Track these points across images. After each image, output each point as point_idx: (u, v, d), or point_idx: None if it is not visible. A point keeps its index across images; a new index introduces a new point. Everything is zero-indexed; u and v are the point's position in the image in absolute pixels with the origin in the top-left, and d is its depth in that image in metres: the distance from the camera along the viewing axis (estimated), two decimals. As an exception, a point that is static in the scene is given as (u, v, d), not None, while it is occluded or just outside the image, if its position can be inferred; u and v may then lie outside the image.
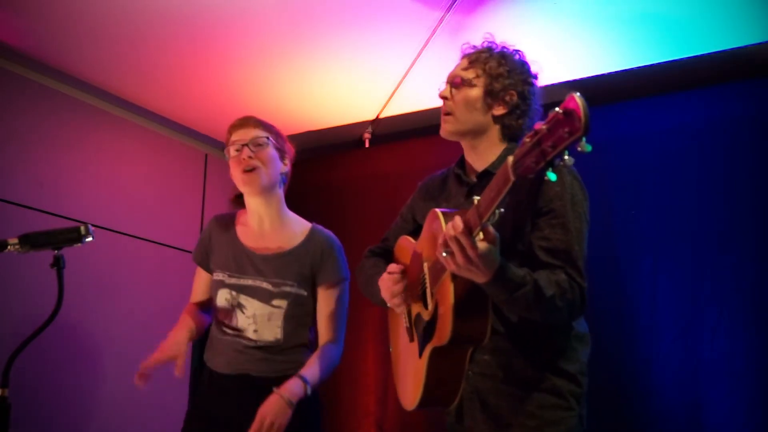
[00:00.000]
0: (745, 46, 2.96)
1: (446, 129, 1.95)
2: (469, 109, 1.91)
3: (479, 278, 1.60)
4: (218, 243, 2.39)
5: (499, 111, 1.91)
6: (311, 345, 2.36)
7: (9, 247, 1.99)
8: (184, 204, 3.94)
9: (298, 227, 2.39)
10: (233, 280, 2.31)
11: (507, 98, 1.91)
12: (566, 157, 1.28)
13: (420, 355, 1.88)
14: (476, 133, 1.93)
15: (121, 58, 3.23)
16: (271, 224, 2.38)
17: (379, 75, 3.40)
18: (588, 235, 1.84)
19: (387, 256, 2.19)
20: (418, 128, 3.79)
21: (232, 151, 2.33)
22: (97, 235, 2.10)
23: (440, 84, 2.00)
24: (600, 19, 2.89)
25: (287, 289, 2.28)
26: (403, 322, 2.05)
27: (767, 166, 2.87)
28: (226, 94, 3.56)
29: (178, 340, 2.21)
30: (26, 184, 3.19)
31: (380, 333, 3.45)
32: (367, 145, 4.01)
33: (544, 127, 1.30)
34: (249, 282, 2.30)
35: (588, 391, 1.88)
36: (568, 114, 1.25)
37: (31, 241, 2.00)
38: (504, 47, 1.97)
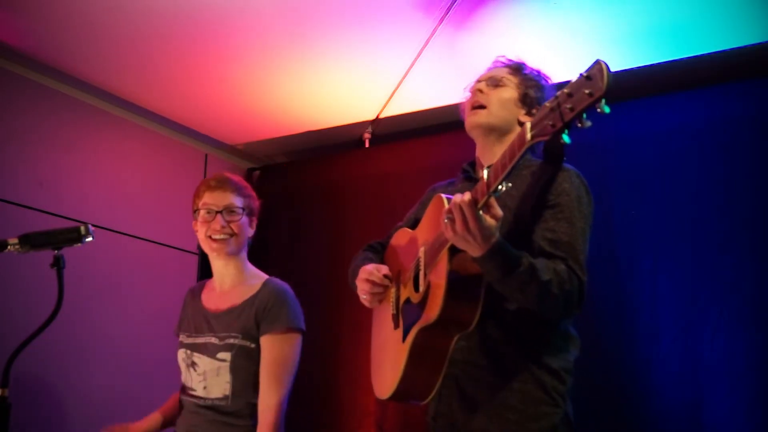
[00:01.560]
0: (745, 46, 2.96)
1: (476, 120, 1.96)
2: (503, 106, 1.96)
3: (474, 250, 1.61)
4: (187, 311, 2.45)
5: (525, 119, 1.96)
6: None
7: (9, 247, 1.99)
8: (184, 204, 3.90)
9: (254, 282, 2.38)
10: (189, 340, 2.35)
11: (534, 110, 1.95)
12: (584, 119, 1.31)
13: (404, 339, 1.87)
14: (501, 132, 1.96)
15: (121, 58, 3.23)
16: (231, 283, 2.40)
17: (379, 75, 3.40)
18: (590, 239, 1.84)
19: (383, 250, 2.20)
20: (418, 128, 3.79)
21: (202, 212, 2.35)
22: (97, 235, 2.10)
23: (469, 83, 2.05)
24: (600, 19, 2.89)
25: (231, 341, 2.26)
26: (388, 311, 2.04)
27: (767, 166, 2.87)
28: (226, 94, 3.56)
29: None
30: (26, 184, 3.18)
31: (380, 333, 3.46)
32: (367, 145, 4.01)
33: (565, 90, 1.35)
34: (201, 340, 2.32)
35: (588, 390, 1.88)
36: (591, 77, 1.30)
37: (31, 241, 2.00)
38: (537, 69, 2.06)
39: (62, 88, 3.39)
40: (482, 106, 1.96)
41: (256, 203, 2.45)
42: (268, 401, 2.21)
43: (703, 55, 3.04)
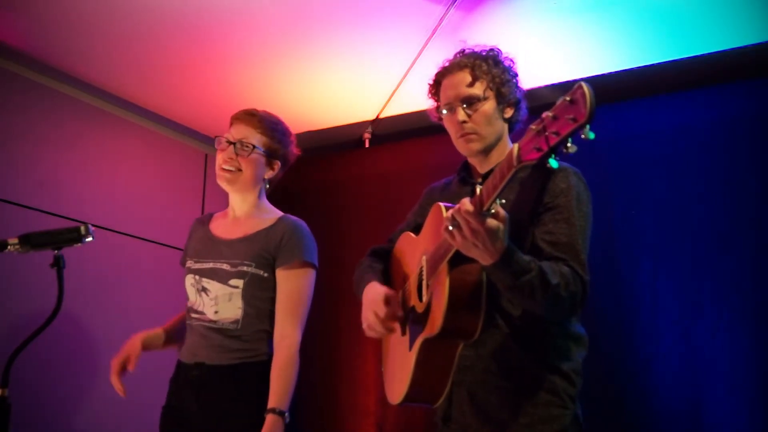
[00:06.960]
0: (745, 46, 2.96)
1: (474, 148, 1.94)
2: (490, 123, 1.94)
3: (485, 258, 1.59)
4: (194, 238, 2.45)
5: (508, 113, 1.97)
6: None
7: (9, 247, 1.99)
8: (184, 204, 3.94)
9: (269, 215, 2.39)
10: (197, 266, 2.33)
11: (510, 99, 1.96)
12: (569, 144, 1.29)
13: (410, 348, 1.88)
14: (496, 140, 1.96)
15: (120, 58, 3.23)
16: (245, 214, 2.39)
17: (379, 75, 3.40)
18: (590, 237, 1.84)
19: (388, 257, 2.19)
20: (418, 128, 3.78)
21: (222, 141, 2.37)
22: (97, 235, 2.10)
23: (441, 105, 2.01)
24: (600, 19, 2.89)
25: (244, 268, 2.25)
26: None
27: (767, 167, 2.87)
28: (226, 94, 3.56)
29: (134, 339, 2.36)
30: (26, 184, 3.18)
31: (380, 333, 3.45)
32: (367, 145, 4.01)
33: (549, 114, 1.33)
34: (210, 265, 2.30)
35: (588, 390, 1.88)
36: (574, 101, 1.27)
37: (31, 241, 2.00)
38: (485, 49, 1.99)
39: (62, 88, 3.39)
40: (472, 133, 1.93)
41: (284, 148, 2.41)
42: (284, 333, 2.22)
43: (703, 55, 3.04)
